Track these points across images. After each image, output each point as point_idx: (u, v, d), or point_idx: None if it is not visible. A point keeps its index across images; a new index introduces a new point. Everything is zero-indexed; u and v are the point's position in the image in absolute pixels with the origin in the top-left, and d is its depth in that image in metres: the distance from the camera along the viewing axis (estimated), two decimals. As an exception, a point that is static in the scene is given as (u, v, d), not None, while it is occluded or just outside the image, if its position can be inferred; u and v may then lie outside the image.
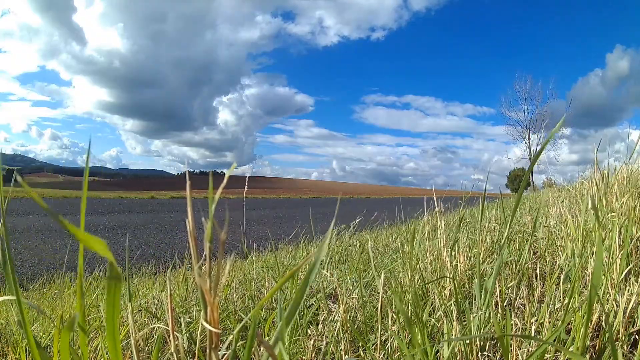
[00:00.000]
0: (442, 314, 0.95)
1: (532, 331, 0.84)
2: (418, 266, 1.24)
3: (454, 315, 0.82)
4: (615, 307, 0.86)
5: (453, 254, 1.23)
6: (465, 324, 0.85)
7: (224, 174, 0.39)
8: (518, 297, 1.08)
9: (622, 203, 1.23)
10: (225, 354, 0.66)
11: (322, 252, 0.35)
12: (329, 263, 1.98)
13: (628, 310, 0.82)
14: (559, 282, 1.00)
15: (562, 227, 1.53)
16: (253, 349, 0.92)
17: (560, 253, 1.39)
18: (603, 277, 0.95)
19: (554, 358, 0.77)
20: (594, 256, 1.07)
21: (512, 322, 0.89)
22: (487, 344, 0.82)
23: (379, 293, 0.92)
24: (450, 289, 1.09)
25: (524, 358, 0.75)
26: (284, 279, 0.36)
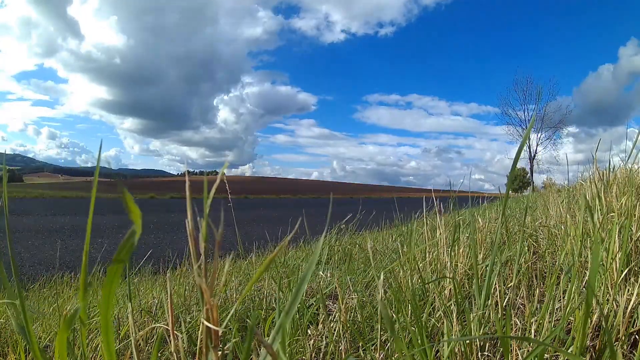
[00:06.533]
0: (441, 314, 0.95)
1: (532, 331, 0.84)
2: (417, 266, 1.24)
3: (454, 315, 0.82)
4: (615, 307, 0.86)
5: (453, 254, 1.23)
6: (465, 324, 0.85)
7: (223, 174, 0.39)
8: (518, 297, 1.08)
9: (622, 203, 1.23)
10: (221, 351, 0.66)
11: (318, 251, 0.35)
12: (328, 263, 1.98)
13: (628, 310, 0.82)
14: (559, 282, 1.00)
15: (562, 227, 1.53)
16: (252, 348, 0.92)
17: (560, 253, 1.39)
18: (602, 277, 0.95)
19: (553, 358, 0.77)
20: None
21: (512, 322, 0.89)
22: (487, 344, 0.82)
23: (378, 293, 0.92)
24: (450, 289, 1.09)
25: (524, 358, 0.75)
26: (265, 263, 0.36)
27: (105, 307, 0.35)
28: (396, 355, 0.83)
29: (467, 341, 0.78)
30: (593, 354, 0.79)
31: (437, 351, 0.87)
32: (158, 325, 1.02)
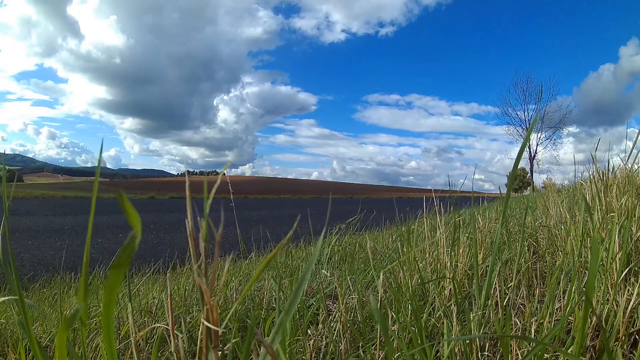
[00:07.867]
0: (441, 314, 0.95)
1: (532, 331, 0.84)
2: (417, 266, 1.24)
3: (454, 315, 0.82)
4: (615, 307, 0.86)
5: (453, 254, 1.23)
6: (465, 324, 0.85)
7: (223, 174, 0.39)
8: (518, 297, 1.08)
9: (622, 203, 1.23)
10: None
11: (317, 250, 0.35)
12: (329, 263, 1.98)
13: (628, 310, 0.82)
14: (559, 282, 1.00)
15: (562, 227, 1.53)
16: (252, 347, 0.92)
17: (560, 253, 1.39)
18: (602, 277, 0.95)
19: (553, 358, 0.77)
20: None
21: (512, 322, 0.89)
22: (487, 344, 0.82)
23: (378, 293, 0.92)
24: (450, 289, 1.09)
25: (523, 357, 0.75)
26: (264, 262, 0.36)
27: (107, 312, 0.35)
28: (396, 355, 0.83)
29: (467, 341, 0.78)
30: (593, 354, 0.79)
31: (437, 351, 0.87)
32: (158, 325, 1.02)
